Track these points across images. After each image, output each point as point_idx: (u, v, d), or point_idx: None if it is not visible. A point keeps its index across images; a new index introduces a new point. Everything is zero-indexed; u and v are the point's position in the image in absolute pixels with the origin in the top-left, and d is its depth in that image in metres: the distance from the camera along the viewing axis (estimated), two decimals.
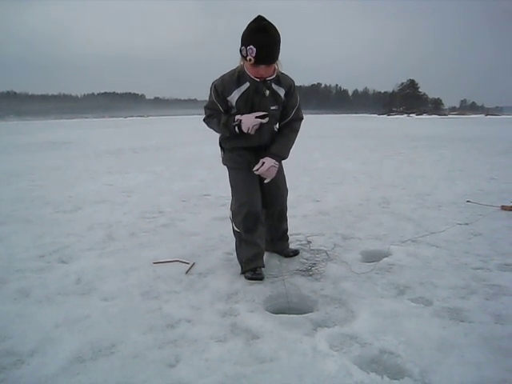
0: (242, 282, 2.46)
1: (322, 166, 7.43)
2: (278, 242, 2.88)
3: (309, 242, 3.17)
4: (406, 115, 71.55)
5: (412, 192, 5.06)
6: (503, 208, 4.09)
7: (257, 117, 2.31)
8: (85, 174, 6.95)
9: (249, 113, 2.33)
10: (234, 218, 2.57)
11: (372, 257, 2.86)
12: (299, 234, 3.36)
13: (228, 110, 2.42)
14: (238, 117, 2.33)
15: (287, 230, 2.89)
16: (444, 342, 1.78)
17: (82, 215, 4.14)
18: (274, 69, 2.31)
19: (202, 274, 2.60)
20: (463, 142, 12.75)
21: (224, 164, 2.65)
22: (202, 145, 12.17)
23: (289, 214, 2.87)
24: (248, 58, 2.15)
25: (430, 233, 3.36)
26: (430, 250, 2.97)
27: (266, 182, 2.48)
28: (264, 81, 2.29)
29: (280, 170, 2.71)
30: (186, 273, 2.60)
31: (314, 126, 24.67)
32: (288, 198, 2.81)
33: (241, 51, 2.21)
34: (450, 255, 2.85)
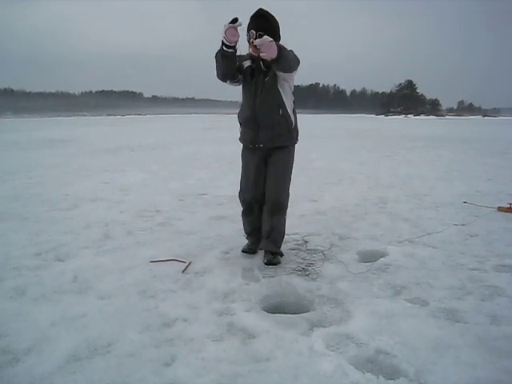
0: (238, 281, 2.46)
1: (320, 166, 7.43)
2: (264, 241, 2.74)
3: (305, 242, 3.17)
4: (403, 116, 71.69)
5: (409, 192, 5.07)
6: (500, 209, 4.11)
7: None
8: (82, 171, 6.93)
9: (250, 82, 2.63)
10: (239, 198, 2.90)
11: (369, 257, 2.87)
12: (296, 233, 3.36)
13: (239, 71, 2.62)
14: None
15: (275, 229, 2.70)
16: (440, 342, 1.79)
17: (79, 213, 4.13)
18: None
19: (199, 273, 2.60)
20: (461, 143, 12.81)
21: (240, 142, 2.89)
22: (200, 144, 12.16)
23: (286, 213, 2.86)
24: (250, 41, 2.42)
25: (426, 233, 3.37)
26: (427, 250, 2.98)
27: (263, 55, 2.34)
28: (258, 55, 2.45)
29: (281, 167, 2.70)
30: (183, 272, 2.60)
31: (311, 125, 24.68)
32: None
33: (247, 37, 2.50)
34: (447, 256, 2.86)
